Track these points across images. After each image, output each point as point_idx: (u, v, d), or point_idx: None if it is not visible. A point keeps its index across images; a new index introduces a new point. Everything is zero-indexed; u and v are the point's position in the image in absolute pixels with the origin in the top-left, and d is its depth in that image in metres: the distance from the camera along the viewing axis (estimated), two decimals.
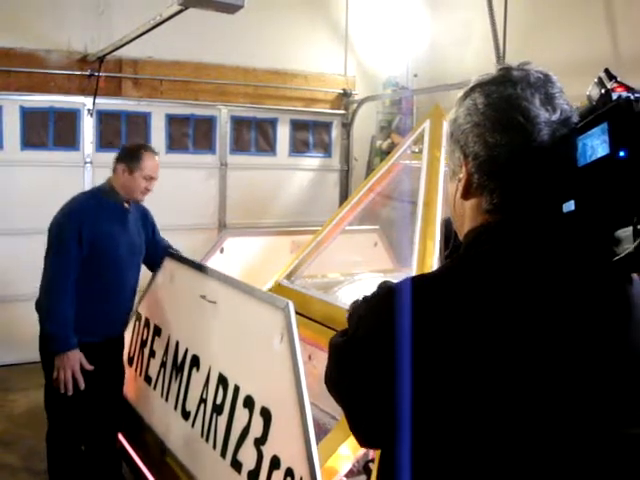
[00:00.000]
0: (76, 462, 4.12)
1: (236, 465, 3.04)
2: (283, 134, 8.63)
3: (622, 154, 1.14)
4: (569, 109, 1.26)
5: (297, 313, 2.89)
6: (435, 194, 3.66)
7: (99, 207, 3.96)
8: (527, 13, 6.77)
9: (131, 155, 4.02)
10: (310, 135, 8.85)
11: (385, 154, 7.72)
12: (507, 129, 1.24)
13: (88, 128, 7.34)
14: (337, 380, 1.38)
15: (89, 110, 7.28)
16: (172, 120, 7.88)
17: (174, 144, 7.91)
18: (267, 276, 4.34)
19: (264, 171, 8.46)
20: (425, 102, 7.91)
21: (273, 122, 8.55)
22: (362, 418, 1.31)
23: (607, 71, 1.24)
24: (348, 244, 4.87)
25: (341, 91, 8.78)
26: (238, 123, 8.34)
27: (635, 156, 1.14)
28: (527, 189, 1.25)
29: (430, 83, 7.85)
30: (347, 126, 8.94)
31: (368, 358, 1.25)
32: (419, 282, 1.27)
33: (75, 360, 3.78)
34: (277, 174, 8.54)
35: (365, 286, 4.34)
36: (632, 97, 1.18)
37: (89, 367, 3.82)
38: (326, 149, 9.00)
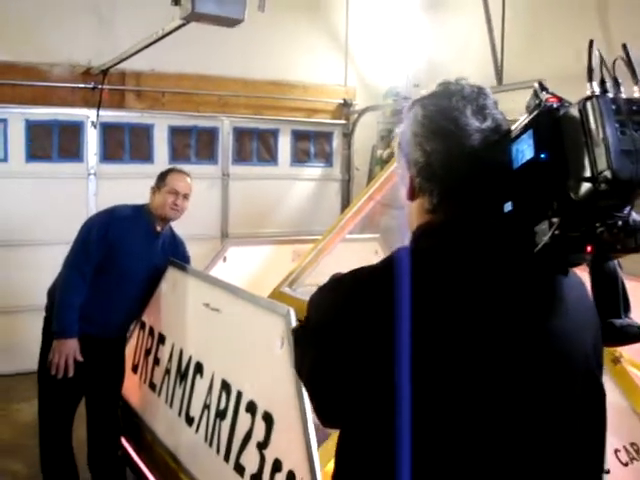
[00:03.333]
0: (67, 453, 4.28)
1: (239, 469, 3.10)
2: (284, 144, 8.71)
3: (543, 156, 1.28)
4: (501, 118, 1.43)
5: (298, 320, 2.95)
6: None
7: (133, 220, 4.26)
8: (524, 23, 6.84)
9: (160, 176, 4.35)
10: (311, 145, 8.93)
11: (386, 163, 7.78)
12: (440, 137, 1.40)
13: (92, 140, 7.42)
14: (299, 363, 1.51)
15: (93, 122, 7.37)
16: (175, 131, 7.97)
17: (177, 155, 7.98)
18: (269, 284, 4.40)
19: (266, 181, 8.53)
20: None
21: (274, 133, 8.64)
22: (319, 397, 1.47)
23: (540, 84, 1.38)
24: (349, 252, 4.93)
25: (342, 101, 8.85)
26: (240, 134, 8.43)
27: (554, 158, 1.27)
28: (462, 190, 1.40)
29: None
30: (348, 136, 9.02)
31: (320, 341, 1.41)
32: (362, 273, 1.42)
33: (72, 348, 4.00)
34: (279, 184, 8.61)
35: None
36: (554, 106, 1.31)
37: (80, 358, 4.01)
38: (327, 159, 9.07)
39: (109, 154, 7.55)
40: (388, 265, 1.37)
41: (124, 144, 7.66)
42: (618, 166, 1.20)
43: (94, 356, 4.15)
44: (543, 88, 1.36)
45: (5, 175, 7.01)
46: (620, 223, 1.25)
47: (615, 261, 1.49)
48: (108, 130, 7.57)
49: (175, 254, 4.46)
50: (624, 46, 1.34)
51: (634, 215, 1.28)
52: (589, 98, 1.27)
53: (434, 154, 1.40)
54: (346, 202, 8.81)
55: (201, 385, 3.65)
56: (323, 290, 1.48)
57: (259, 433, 3.00)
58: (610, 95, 1.27)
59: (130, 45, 6.05)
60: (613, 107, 1.25)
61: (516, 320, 1.35)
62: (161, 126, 7.86)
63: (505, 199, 1.34)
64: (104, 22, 7.24)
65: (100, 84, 7.19)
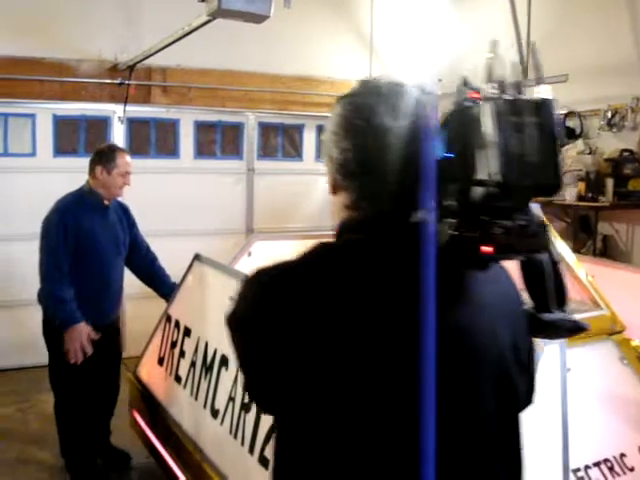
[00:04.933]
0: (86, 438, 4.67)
1: (263, 461, 3.12)
2: (309, 140, 8.72)
3: (448, 155, 1.29)
4: (419, 115, 1.40)
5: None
6: None
7: (81, 205, 4.47)
8: (551, 17, 6.81)
9: (107, 157, 4.51)
10: None
11: None
12: (353, 135, 1.44)
13: (118, 135, 7.49)
14: (233, 349, 1.53)
15: (119, 117, 7.44)
16: (200, 127, 8.02)
17: (202, 150, 8.04)
18: None
19: (291, 176, 8.56)
20: (450, 107, 7.95)
21: (299, 128, 8.66)
22: (251, 385, 1.51)
23: (464, 79, 1.35)
24: None
25: None
26: (265, 129, 8.46)
27: (458, 157, 1.28)
28: (378, 187, 1.42)
29: (455, 88, 7.90)
30: None
31: (245, 333, 1.45)
32: (283, 266, 1.44)
33: (82, 332, 4.24)
34: (304, 179, 8.61)
35: None
36: (467, 104, 1.30)
37: (95, 336, 4.29)
38: None
39: (135, 149, 7.60)
40: (308, 258, 1.43)
41: (150, 139, 7.73)
42: (508, 170, 1.22)
43: (96, 345, 4.37)
44: (466, 83, 1.34)
45: (33, 169, 7.10)
46: (519, 224, 1.26)
47: (547, 256, 1.56)
48: (134, 125, 7.64)
49: (127, 219, 4.77)
50: (532, 46, 1.30)
51: (536, 216, 1.30)
52: (485, 99, 1.27)
53: (349, 152, 1.43)
54: None
55: (226, 378, 3.68)
56: (247, 283, 1.49)
57: None
58: (507, 97, 1.28)
59: (156, 41, 6.10)
60: (508, 109, 1.26)
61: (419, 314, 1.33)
62: (187, 121, 7.91)
63: (419, 193, 1.32)
64: (131, 18, 7.30)
65: (127, 80, 7.26)
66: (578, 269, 3.97)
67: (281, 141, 8.60)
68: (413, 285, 1.32)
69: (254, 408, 3.30)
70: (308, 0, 7.44)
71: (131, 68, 7.15)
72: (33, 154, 7.18)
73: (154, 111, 7.71)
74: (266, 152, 8.50)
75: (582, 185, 6.49)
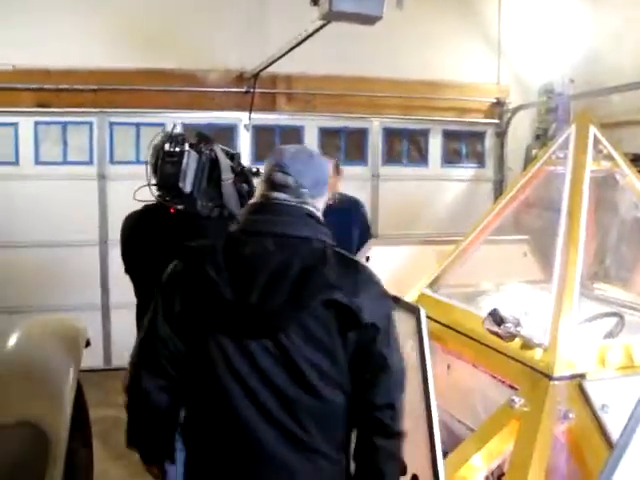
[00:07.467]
0: None
1: None
2: (435, 145, 8.58)
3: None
4: (182, 147, 3.35)
5: (439, 322, 2.88)
6: (579, 201, 3.54)
7: None
8: None
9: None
10: (463, 145, 8.75)
11: None
12: (150, 156, 3.43)
13: (245, 142, 7.65)
14: None
15: (245, 125, 7.59)
16: (324, 133, 8.06)
17: (326, 156, 8.03)
18: (412, 284, 4.33)
19: (416, 182, 8.45)
20: (582, 108, 7.62)
21: (425, 133, 8.54)
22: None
23: (199, 134, 3.55)
24: (496, 254, 4.78)
25: (494, 100, 8.62)
26: (390, 134, 8.40)
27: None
28: (157, 180, 3.38)
29: (587, 88, 7.57)
30: (501, 135, 8.76)
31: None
32: (133, 211, 3.51)
33: None
34: (429, 185, 8.50)
35: (511, 296, 4.27)
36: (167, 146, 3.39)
37: None
38: (479, 159, 8.86)
39: (261, 156, 7.72)
40: (138, 210, 3.48)
41: (275, 145, 7.82)
42: (156, 178, 3.38)
43: None
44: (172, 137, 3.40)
45: None
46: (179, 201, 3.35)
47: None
48: (260, 132, 7.78)
49: None
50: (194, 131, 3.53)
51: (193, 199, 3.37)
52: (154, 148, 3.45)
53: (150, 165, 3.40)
54: None
55: None
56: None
57: None
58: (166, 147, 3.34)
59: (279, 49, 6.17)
60: (165, 153, 3.33)
61: (164, 231, 3.26)
62: (311, 128, 7.98)
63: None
64: (256, 27, 7.43)
65: (252, 88, 7.38)
66: None
67: (406, 146, 8.50)
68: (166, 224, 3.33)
69: None
70: (433, 4, 7.33)
71: (255, 76, 7.27)
72: None
73: (279, 118, 7.81)
74: (391, 158, 8.43)
75: None
